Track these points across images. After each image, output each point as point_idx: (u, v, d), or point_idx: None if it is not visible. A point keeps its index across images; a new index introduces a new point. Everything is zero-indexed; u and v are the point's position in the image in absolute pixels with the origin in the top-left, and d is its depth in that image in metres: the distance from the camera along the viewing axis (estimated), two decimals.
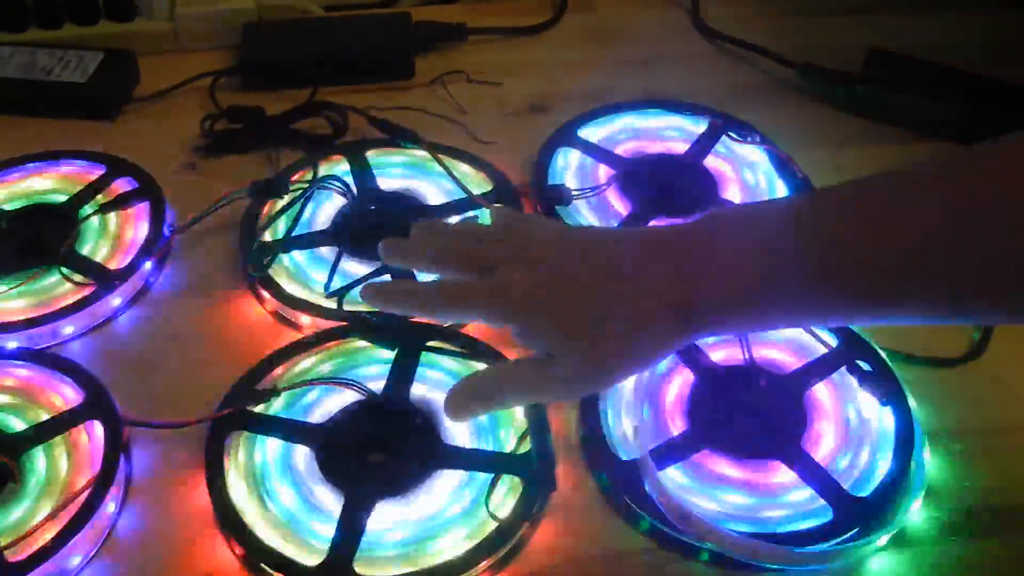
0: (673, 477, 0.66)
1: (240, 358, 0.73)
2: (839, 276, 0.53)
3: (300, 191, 0.82)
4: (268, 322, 0.77)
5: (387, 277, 0.75)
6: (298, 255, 0.79)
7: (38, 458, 0.66)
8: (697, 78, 0.99)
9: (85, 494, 0.62)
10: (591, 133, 0.90)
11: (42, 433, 0.67)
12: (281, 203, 0.82)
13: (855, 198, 0.55)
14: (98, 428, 0.67)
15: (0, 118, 0.95)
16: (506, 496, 0.65)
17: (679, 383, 0.71)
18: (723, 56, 1.04)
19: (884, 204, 0.53)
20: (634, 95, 0.95)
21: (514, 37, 1.04)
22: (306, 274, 0.79)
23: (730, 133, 0.88)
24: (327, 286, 0.76)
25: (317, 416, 0.69)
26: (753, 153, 0.88)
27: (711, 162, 0.88)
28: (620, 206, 0.84)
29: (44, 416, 0.67)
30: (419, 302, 0.63)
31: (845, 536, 0.63)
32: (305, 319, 0.76)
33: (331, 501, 0.65)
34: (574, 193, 0.83)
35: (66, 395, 0.69)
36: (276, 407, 0.69)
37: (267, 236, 0.80)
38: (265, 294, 0.77)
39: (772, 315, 0.57)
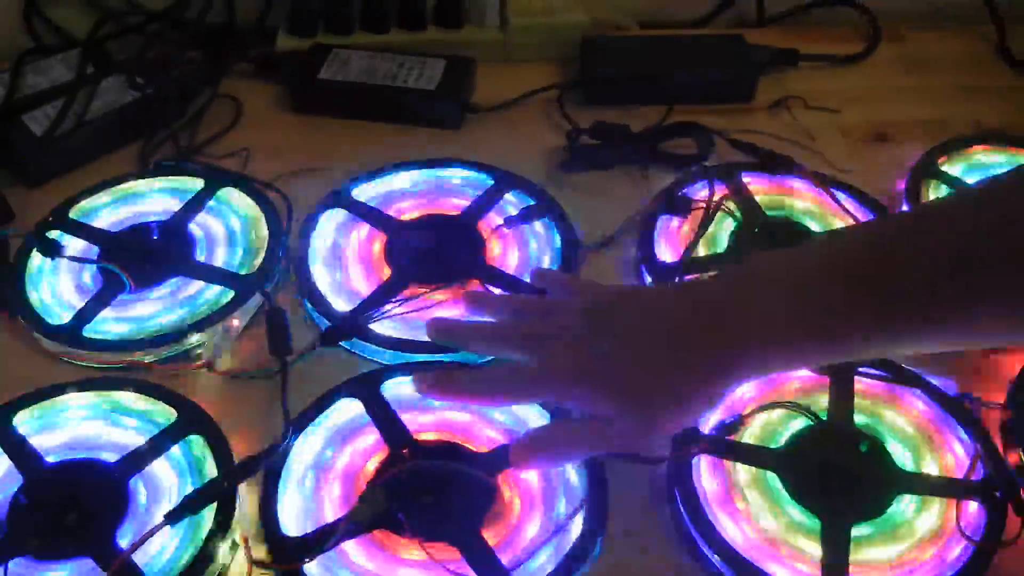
0: None
1: None
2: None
3: (705, 210, 0.83)
4: None
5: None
6: None
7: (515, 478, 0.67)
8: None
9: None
10: (949, 165, 0.91)
11: None
12: (678, 222, 0.85)
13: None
14: None
15: (344, 122, 0.98)
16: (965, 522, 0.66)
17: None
18: None
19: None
20: (964, 127, 0.97)
21: (835, 65, 1.05)
22: None
23: None
24: None
25: (756, 437, 0.71)
26: None
27: None
28: None
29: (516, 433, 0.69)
30: (482, 390, 0.66)
31: None
32: None
33: (805, 524, 0.67)
34: None
35: (527, 414, 0.71)
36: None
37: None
38: None
39: (811, 355, 0.61)
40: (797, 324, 0.60)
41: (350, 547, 0.64)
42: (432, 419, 0.70)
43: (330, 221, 0.85)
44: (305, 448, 0.69)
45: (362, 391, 0.72)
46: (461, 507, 0.65)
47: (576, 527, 0.65)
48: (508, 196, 0.87)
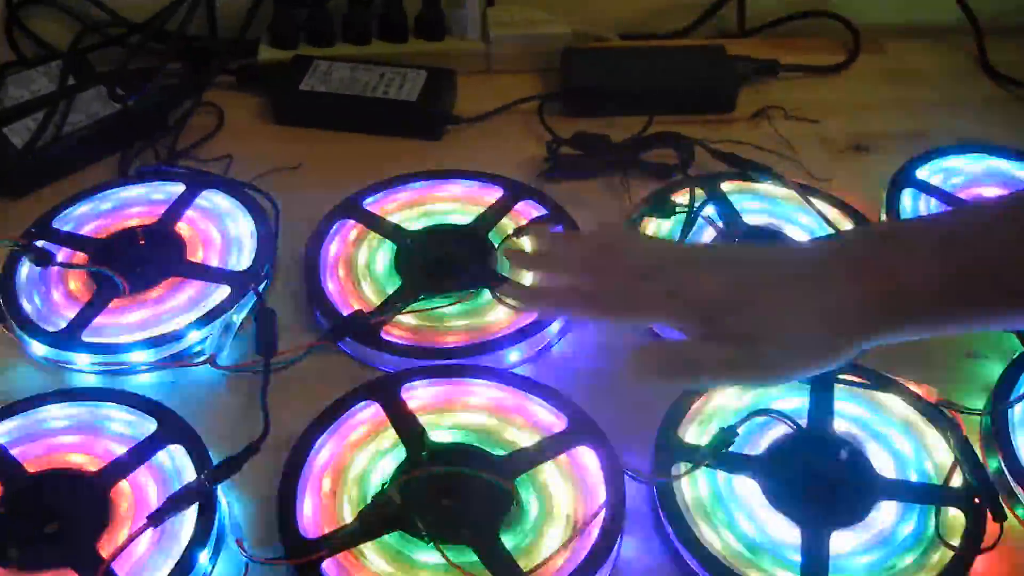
0: None
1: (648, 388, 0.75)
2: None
3: (686, 214, 0.85)
4: None
5: None
6: None
7: (532, 482, 0.68)
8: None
9: (598, 522, 0.65)
10: (929, 175, 0.92)
11: (534, 458, 0.69)
12: (666, 224, 0.86)
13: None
14: (587, 454, 0.69)
15: (323, 133, 0.99)
16: (945, 528, 0.67)
17: None
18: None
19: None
20: (945, 138, 0.97)
21: (815, 75, 1.06)
22: None
23: None
24: None
25: (743, 447, 0.71)
26: None
27: None
28: None
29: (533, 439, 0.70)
30: (599, 304, 0.65)
31: None
32: None
33: (785, 531, 0.67)
34: None
35: (544, 419, 0.72)
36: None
37: None
38: None
39: (952, 324, 0.60)
40: (944, 293, 0.59)
41: (366, 549, 0.64)
42: (450, 423, 0.71)
43: (340, 230, 0.86)
44: (323, 450, 0.70)
45: (381, 394, 0.72)
46: (478, 511, 0.66)
47: (595, 531, 0.65)
48: (518, 206, 0.87)
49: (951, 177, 0.92)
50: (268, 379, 0.73)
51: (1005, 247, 0.58)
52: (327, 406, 0.71)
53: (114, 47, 1.03)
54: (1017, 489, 0.69)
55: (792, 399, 0.73)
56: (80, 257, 0.82)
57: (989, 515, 0.66)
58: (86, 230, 0.86)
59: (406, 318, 0.78)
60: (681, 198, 0.87)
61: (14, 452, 0.68)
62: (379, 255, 0.84)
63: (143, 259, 0.83)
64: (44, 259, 0.81)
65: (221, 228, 0.86)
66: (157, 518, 0.64)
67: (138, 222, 0.86)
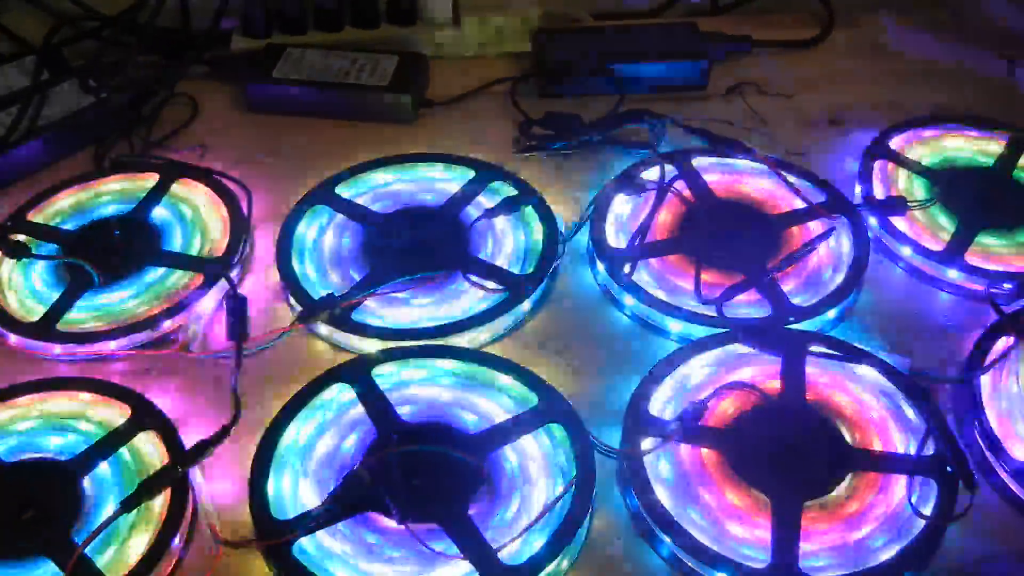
0: None
1: (617, 365, 0.76)
2: None
3: (656, 192, 0.85)
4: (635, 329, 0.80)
5: None
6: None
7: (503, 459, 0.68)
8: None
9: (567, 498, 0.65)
10: (901, 146, 0.92)
11: (505, 436, 0.69)
12: (635, 202, 0.86)
13: None
14: (557, 431, 0.70)
15: (298, 120, 0.99)
16: (917, 498, 0.67)
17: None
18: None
19: None
20: (918, 110, 0.97)
21: (789, 51, 1.06)
22: (666, 280, 0.81)
23: None
24: (698, 294, 0.77)
25: (712, 420, 0.71)
26: None
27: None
28: (944, 220, 0.86)
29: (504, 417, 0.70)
30: None
31: None
32: (674, 325, 0.77)
33: (755, 503, 0.67)
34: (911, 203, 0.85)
35: (514, 396, 0.72)
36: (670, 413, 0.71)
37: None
38: (628, 300, 0.78)
39: None
40: None
41: (337, 529, 0.65)
42: (422, 403, 0.72)
43: (312, 216, 0.86)
44: (295, 432, 0.70)
45: (353, 376, 0.72)
46: (448, 488, 0.66)
47: (563, 507, 0.66)
48: (490, 186, 0.88)
49: (924, 148, 0.92)
50: (239, 365, 0.73)
51: None
52: (299, 389, 0.71)
53: (88, 41, 1.02)
54: (989, 457, 0.69)
55: (763, 371, 0.73)
56: (55, 249, 0.83)
57: (961, 484, 0.66)
58: (61, 222, 0.86)
59: (378, 300, 0.79)
60: (651, 174, 0.85)
61: None
62: (351, 239, 0.84)
63: (117, 249, 0.83)
64: (19, 251, 0.81)
65: (195, 217, 0.86)
66: (130, 504, 0.64)
67: (113, 213, 0.87)
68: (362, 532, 0.65)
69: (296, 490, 0.67)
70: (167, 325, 0.77)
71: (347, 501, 0.65)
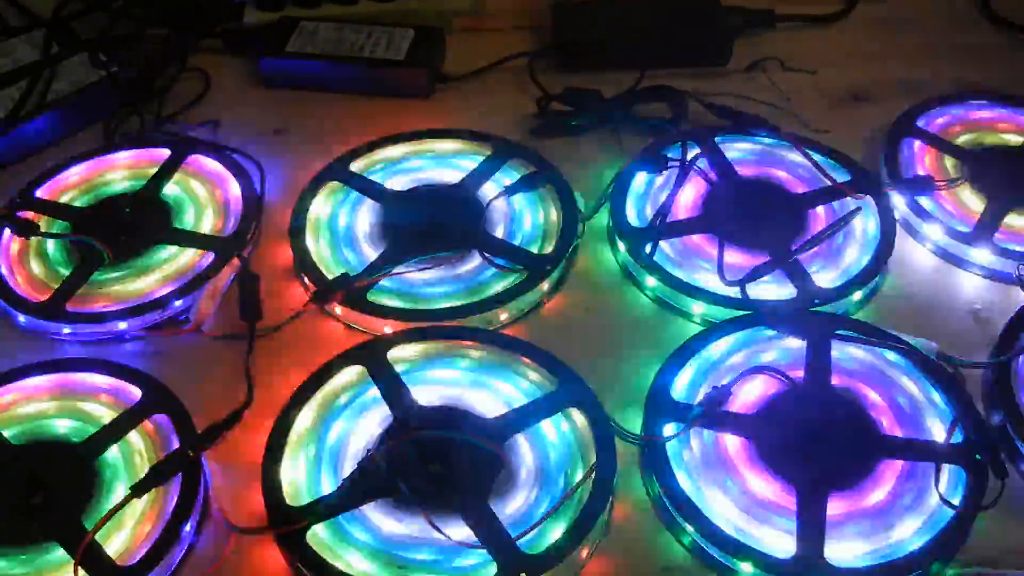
0: None
1: (638, 348, 0.74)
2: None
3: (679, 169, 0.83)
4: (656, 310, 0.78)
5: None
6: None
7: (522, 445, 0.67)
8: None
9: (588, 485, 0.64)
10: (928, 124, 0.89)
11: (524, 420, 0.68)
12: (657, 180, 0.84)
13: None
14: (577, 415, 0.68)
15: (311, 95, 0.97)
16: (946, 486, 0.65)
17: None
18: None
19: None
20: (946, 87, 0.95)
21: (813, 25, 1.03)
22: (689, 260, 0.79)
23: None
24: (721, 275, 0.75)
25: (736, 405, 0.69)
26: None
27: None
28: (973, 199, 0.84)
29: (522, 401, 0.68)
30: None
31: None
32: (696, 306, 0.75)
33: (780, 492, 0.65)
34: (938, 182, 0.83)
35: (534, 380, 0.70)
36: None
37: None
38: (650, 280, 0.76)
39: None
40: None
41: (352, 516, 0.64)
42: (438, 386, 0.70)
43: (326, 193, 0.84)
44: (309, 415, 0.69)
45: (368, 358, 0.71)
46: (467, 475, 0.64)
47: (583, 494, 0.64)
48: (508, 163, 0.86)
49: (952, 126, 0.89)
50: (253, 346, 0.72)
51: None
52: (313, 372, 0.70)
53: (98, 13, 1.00)
54: (1020, 444, 0.67)
55: (788, 354, 0.71)
56: (64, 226, 0.82)
57: (991, 472, 0.64)
58: (70, 199, 0.85)
59: (393, 280, 0.77)
60: (673, 152, 0.84)
61: None
62: (366, 217, 0.83)
63: (128, 227, 0.82)
64: (28, 229, 0.79)
65: (206, 194, 0.85)
66: (140, 489, 0.63)
67: (123, 190, 0.85)
68: (378, 519, 0.63)
69: (310, 475, 0.65)
70: (178, 305, 0.76)
71: (362, 487, 0.63)
